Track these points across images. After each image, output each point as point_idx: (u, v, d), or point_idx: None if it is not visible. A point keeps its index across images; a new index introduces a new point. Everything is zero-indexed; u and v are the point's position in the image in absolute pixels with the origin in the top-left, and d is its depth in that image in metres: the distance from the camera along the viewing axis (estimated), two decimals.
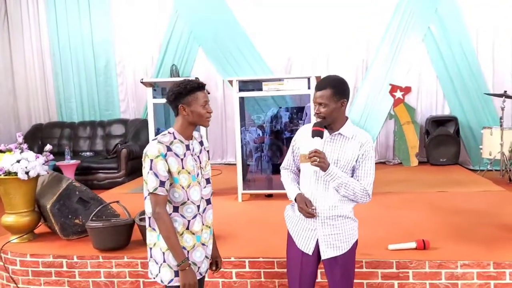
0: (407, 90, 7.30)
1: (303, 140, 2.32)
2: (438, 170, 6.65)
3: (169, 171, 2.12)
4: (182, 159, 2.16)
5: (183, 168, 2.16)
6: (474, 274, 2.87)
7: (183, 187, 2.15)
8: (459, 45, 7.03)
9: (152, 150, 2.09)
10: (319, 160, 2.11)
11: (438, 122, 7.09)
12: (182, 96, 2.15)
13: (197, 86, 2.17)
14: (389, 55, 7.27)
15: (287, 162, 2.45)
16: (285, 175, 2.43)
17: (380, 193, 5.03)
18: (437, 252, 3.06)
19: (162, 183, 2.08)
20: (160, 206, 2.09)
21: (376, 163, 7.85)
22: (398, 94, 7.31)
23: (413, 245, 3.11)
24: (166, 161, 2.10)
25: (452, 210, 4.23)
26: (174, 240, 2.10)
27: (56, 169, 6.07)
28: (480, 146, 6.43)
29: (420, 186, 5.50)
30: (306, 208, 2.21)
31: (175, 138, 2.18)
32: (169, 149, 2.12)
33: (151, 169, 2.08)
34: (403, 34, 7.20)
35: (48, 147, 3.86)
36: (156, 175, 2.07)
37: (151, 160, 2.08)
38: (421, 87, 7.34)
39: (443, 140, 6.94)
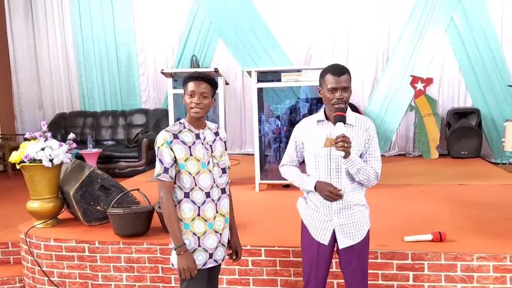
0: (428, 81, 7.21)
1: (308, 133, 2.30)
2: (459, 163, 6.57)
3: (176, 158, 2.20)
4: (190, 147, 2.24)
5: (191, 155, 2.23)
6: (490, 267, 2.86)
7: (190, 174, 2.22)
8: (483, 36, 6.89)
9: (159, 138, 2.22)
10: (347, 145, 2.08)
11: (460, 114, 6.97)
12: (183, 88, 2.28)
13: (189, 77, 2.26)
14: (411, 46, 7.17)
15: (290, 158, 2.42)
16: (290, 170, 2.41)
17: (399, 185, 5.01)
18: (454, 244, 3.05)
19: (166, 170, 2.19)
20: (164, 191, 2.20)
21: (395, 155, 7.73)
22: (419, 86, 7.22)
23: (429, 237, 3.10)
24: (171, 149, 2.19)
25: (471, 203, 4.19)
26: (173, 223, 2.20)
27: (79, 157, 6.19)
28: (503, 139, 6.30)
29: (440, 178, 5.45)
30: (335, 191, 2.18)
31: (184, 127, 2.28)
32: (176, 137, 2.22)
33: (157, 156, 2.20)
34: (425, 24, 7.09)
35: (71, 135, 3.98)
36: (161, 161, 2.19)
37: (158, 148, 2.21)
38: (443, 78, 7.22)
39: (464, 133, 6.81)
